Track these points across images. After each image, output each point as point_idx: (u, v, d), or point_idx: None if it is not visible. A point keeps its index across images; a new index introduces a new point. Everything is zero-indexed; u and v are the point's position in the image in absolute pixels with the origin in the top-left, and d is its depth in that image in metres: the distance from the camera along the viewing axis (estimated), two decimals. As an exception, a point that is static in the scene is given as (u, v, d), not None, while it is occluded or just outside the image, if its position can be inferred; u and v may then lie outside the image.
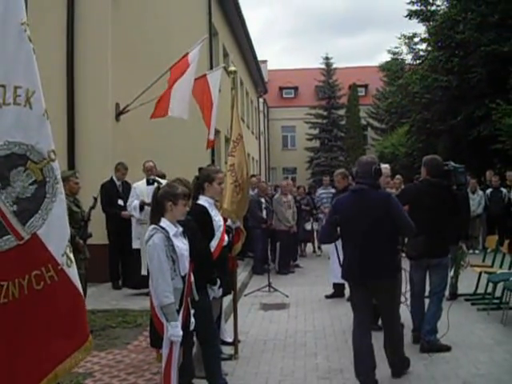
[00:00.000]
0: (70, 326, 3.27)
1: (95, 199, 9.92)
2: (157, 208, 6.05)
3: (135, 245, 12.49)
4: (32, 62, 3.09)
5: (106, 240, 13.38)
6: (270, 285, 13.69)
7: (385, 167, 9.56)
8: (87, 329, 3.41)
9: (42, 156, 3.07)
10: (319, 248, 21.37)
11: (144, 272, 11.72)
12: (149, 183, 12.40)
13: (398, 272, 7.48)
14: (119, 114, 14.58)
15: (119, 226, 13.02)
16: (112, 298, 12.28)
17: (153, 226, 5.89)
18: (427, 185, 8.80)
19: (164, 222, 5.91)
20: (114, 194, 13.08)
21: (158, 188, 6.24)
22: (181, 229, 6.04)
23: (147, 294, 11.77)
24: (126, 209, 12.76)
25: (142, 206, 12.06)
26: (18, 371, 3.03)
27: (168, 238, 5.77)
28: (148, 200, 11.90)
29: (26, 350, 3.05)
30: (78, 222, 9.39)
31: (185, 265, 5.92)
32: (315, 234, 21.08)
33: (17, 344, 3.01)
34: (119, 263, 13.54)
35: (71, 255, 3.25)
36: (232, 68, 9.82)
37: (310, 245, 21.86)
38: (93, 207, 9.82)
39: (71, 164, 13.74)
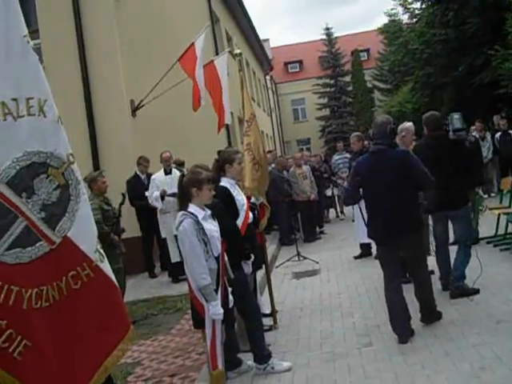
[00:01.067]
0: (112, 318, 3.30)
1: (124, 195, 9.95)
2: (183, 195, 6.08)
3: (163, 234, 12.65)
4: (39, 71, 3.11)
5: (138, 232, 13.50)
6: (298, 254, 13.68)
7: (409, 125, 9.58)
8: (127, 319, 3.44)
9: (61, 161, 3.07)
10: (342, 212, 21.30)
11: (174, 259, 11.82)
12: (166, 173, 12.48)
13: (421, 226, 7.47)
14: (135, 109, 14.68)
15: (149, 217, 13.07)
16: (150, 287, 12.44)
17: (181, 212, 5.93)
18: (430, 139, 8.69)
19: (192, 208, 5.94)
20: (140, 187, 13.11)
21: (183, 175, 6.26)
22: (209, 212, 6.07)
23: (175, 281, 12.05)
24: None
25: (162, 196, 12.11)
26: (71, 370, 3.05)
27: (197, 222, 5.80)
28: (168, 189, 11.99)
29: (74, 348, 3.07)
30: (111, 219, 9.46)
31: (217, 246, 5.95)
32: (336, 199, 21.07)
33: (65, 344, 3.03)
34: (152, 253, 13.64)
35: (102, 251, 3.26)
36: (237, 51, 9.85)
37: (332, 210, 21.80)
38: (122, 203, 9.86)
39: (96, 165, 13.88)
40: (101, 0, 14.53)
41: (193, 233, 5.75)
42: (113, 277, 3.30)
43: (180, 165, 13.24)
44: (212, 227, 5.99)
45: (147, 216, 13.13)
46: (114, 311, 3.33)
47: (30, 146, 2.97)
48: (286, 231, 16.66)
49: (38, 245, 2.96)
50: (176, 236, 11.79)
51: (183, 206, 6.02)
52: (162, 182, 12.38)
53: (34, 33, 14.76)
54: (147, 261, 13.63)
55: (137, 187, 13.08)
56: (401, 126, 9.36)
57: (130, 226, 12.43)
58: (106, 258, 3.26)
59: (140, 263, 13.63)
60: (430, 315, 7.50)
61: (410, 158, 7.29)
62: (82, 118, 14.22)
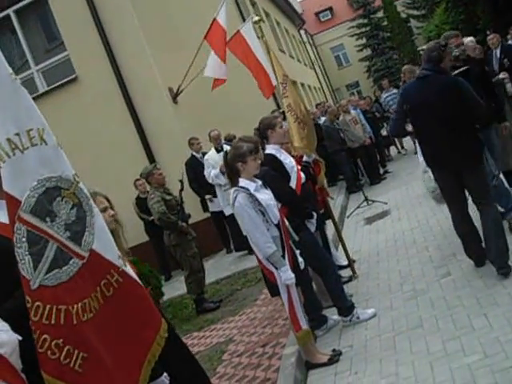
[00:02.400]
0: (145, 315, 3.43)
1: (181, 182, 10.06)
2: (231, 172, 6.11)
3: (227, 211, 12.45)
4: (31, 103, 3.20)
5: (204, 215, 13.70)
6: (366, 198, 13.59)
7: (469, 40, 8.92)
8: (158, 313, 3.59)
9: (70, 182, 3.19)
10: (403, 147, 21.01)
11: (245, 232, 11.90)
12: (218, 151, 12.51)
13: (482, 156, 6.82)
14: (175, 96, 14.78)
15: (214, 194, 13.11)
16: (230, 264, 12.61)
17: (233, 188, 5.97)
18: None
19: (242, 182, 5.96)
20: (198, 166, 13.11)
21: (226, 153, 6.29)
22: (260, 182, 6.08)
23: (251, 252, 12.15)
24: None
25: (223, 172, 12.15)
26: (124, 370, 3.22)
27: (251, 195, 5.83)
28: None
29: (121, 349, 3.23)
30: (175, 207, 9.58)
31: (274, 213, 5.97)
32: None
33: (113, 347, 3.18)
34: (226, 229, 13.69)
35: (121, 256, 3.38)
36: (255, 18, 9.77)
37: (393, 147, 21.52)
38: (182, 189, 9.99)
39: (151, 158, 14.15)
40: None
41: (249, 206, 5.80)
42: (136, 277, 3.42)
43: (231, 140, 13.25)
44: (266, 196, 6.01)
45: (210, 193, 13.17)
46: (145, 309, 3.46)
47: (40, 174, 3.07)
48: (350, 179, 16.51)
49: (71, 262, 3.08)
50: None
51: (234, 181, 6.05)
52: (215, 161, 12.44)
53: (60, 45, 15.04)
54: (222, 238, 13.86)
55: (195, 168, 13.13)
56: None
57: (195, 209, 12.61)
58: (127, 262, 3.40)
59: (217, 242, 13.89)
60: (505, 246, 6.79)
61: (459, 84, 6.60)
62: (126, 118, 14.54)
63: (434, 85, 6.59)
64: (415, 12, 55.86)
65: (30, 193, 3.02)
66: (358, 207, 13.54)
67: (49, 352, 2.92)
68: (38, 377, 2.83)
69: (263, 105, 14.35)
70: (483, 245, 6.88)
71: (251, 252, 12.12)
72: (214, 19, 12.84)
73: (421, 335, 5.86)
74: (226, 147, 12.26)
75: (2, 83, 3.07)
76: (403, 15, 57.80)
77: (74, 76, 14.84)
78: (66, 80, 14.80)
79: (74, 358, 2.99)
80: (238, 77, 13.23)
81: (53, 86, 14.94)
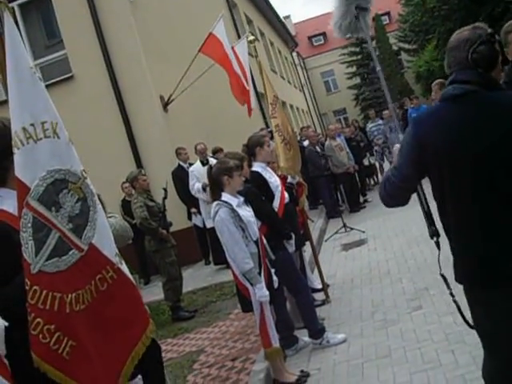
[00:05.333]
0: (134, 313, 3.50)
1: (165, 190, 10.18)
2: (215, 185, 6.15)
3: (209, 224, 12.58)
4: (47, 97, 3.32)
5: (187, 223, 13.74)
6: (345, 225, 13.68)
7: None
8: (147, 313, 3.62)
9: (77, 176, 3.29)
10: (383, 178, 21.08)
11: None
12: (203, 164, 12.58)
13: None
14: (166, 104, 14.85)
15: (198, 206, 13.18)
16: (207, 275, 12.70)
17: (216, 202, 6.00)
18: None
19: (225, 196, 6.01)
20: (185, 177, 13.16)
21: (211, 167, 6.32)
22: (242, 198, 6.13)
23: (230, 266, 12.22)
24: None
25: (204, 188, 12.22)
26: (108, 363, 3.28)
27: (232, 210, 5.88)
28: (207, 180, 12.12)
29: (108, 343, 3.30)
30: (157, 214, 9.72)
31: (254, 230, 6.03)
32: (377, 166, 20.88)
33: (100, 341, 3.25)
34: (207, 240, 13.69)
35: (119, 254, 3.44)
36: (251, 37, 9.88)
37: (373, 178, 21.54)
38: (165, 197, 10.12)
39: (139, 164, 14.29)
40: (116, 3, 14.67)
41: (229, 221, 5.84)
42: (131, 276, 3.51)
43: (217, 152, 13.34)
44: (247, 213, 6.07)
45: (195, 205, 13.22)
46: (135, 307, 3.53)
47: (50, 165, 3.18)
48: (330, 205, 16.60)
49: (70, 253, 3.16)
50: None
51: (216, 195, 6.10)
52: (200, 173, 12.49)
53: (59, 43, 15.13)
54: (202, 248, 13.97)
55: (182, 177, 13.21)
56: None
57: (179, 218, 12.67)
58: (123, 260, 3.46)
59: (195, 252, 13.98)
60: None
61: None
62: (118, 121, 14.62)
63: (486, 111, 3.37)
64: (406, 46, 56.40)
65: (39, 182, 3.12)
66: (336, 233, 13.63)
67: (40, 336, 3.01)
68: (20, 363, 2.90)
69: (251, 121, 14.44)
70: None
71: (229, 266, 12.23)
72: (210, 33, 12.94)
73: (388, 365, 5.92)
74: (212, 160, 12.35)
75: (23, 75, 3.20)
76: (395, 47, 58.36)
77: (70, 74, 14.90)
78: (62, 78, 14.83)
79: (63, 345, 3.07)
80: (227, 91, 13.29)
81: (48, 83, 14.96)
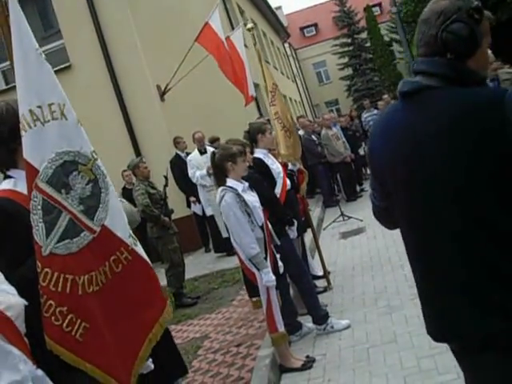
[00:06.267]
0: (151, 295, 3.51)
1: (166, 177, 10.24)
2: (219, 171, 6.13)
3: (208, 212, 12.79)
4: (54, 78, 3.29)
5: (189, 211, 13.92)
6: (342, 214, 13.68)
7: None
8: (163, 294, 3.67)
9: (87, 158, 3.27)
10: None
11: (225, 235, 11.99)
12: (201, 153, 12.61)
13: None
14: (163, 94, 14.93)
15: (197, 195, 13.21)
16: (208, 262, 12.80)
17: (221, 187, 5.98)
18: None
19: (230, 182, 6.00)
20: (182, 165, 13.24)
21: (214, 153, 6.30)
22: (246, 184, 6.12)
23: (230, 254, 12.19)
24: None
25: (209, 173, 12.18)
26: (124, 345, 3.28)
27: (238, 195, 5.87)
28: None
29: (124, 325, 3.28)
30: (158, 201, 9.77)
31: (259, 215, 6.02)
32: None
33: (116, 322, 3.24)
34: (207, 228, 13.78)
35: (133, 235, 3.42)
36: (249, 25, 9.85)
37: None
38: (166, 185, 10.17)
39: (138, 153, 14.38)
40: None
41: (235, 206, 5.83)
42: (147, 257, 3.49)
43: (215, 141, 13.32)
44: (252, 198, 6.06)
45: (195, 193, 13.25)
46: (152, 288, 3.54)
47: (59, 147, 3.17)
48: (327, 193, 16.66)
49: (82, 235, 3.15)
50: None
51: (221, 181, 6.08)
52: (198, 162, 12.57)
53: (57, 33, 15.14)
54: (202, 236, 14.11)
55: (180, 165, 13.26)
56: None
57: (178, 206, 12.70)
58: (138, 242, 3.46)
59: (197, 240, 14.16)
60: None
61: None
62: (115, 109, 14.80)
63: (439, 118, 2.47)
64: (398, 37, 56.42)
65: (48, 164, 3.10)
66: (334, 221, 13.64)
67: (53, 318, 3.00)
68: (37, 343, 2.81)
69: (246, 110, 14.47)
70: None
71: (230, 254, 12.23)
72: (206, 23, 12.89)
73: (395, 350, 5.91)
74: (210, 149, 12.33)
75: (29, 56, 3.16)
76: (386, 38, 58.37)
77: (67, 64, 14.94)
78: (59, 67, 14.82)
79: (76, 326, 3.05)
80: (224, 80, 13.26)
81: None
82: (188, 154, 13.27)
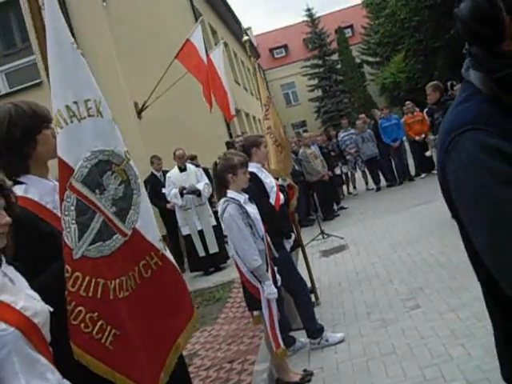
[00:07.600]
0: (179, 301, 3.47)
1: None
2: (220, 182, 6.14)
3: (185, 231, 12.72)
4: (89, 73, 3.22)
5: (163, 231, 13.66)
6: (322, 232, 13.68)
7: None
8: (191, 301, 3.61)
9: (121, 158, 3.20)
10: (354, 187, 21.22)
11: (202, 253, 12.02)
12: (181, 170, 12.58)
13: None
14: (140, 111, 14.82)
15: (172, 214, 13.13)
16: (184, 282, 12.54)
17: (223, 199, 5.99)
18: None
19: (231, 193, 6.00)
20: (158, 185, 13.23)
21: (216, 164, 6.32)
22: (247, 196, 6.14)
23: (207, 273, 12.17)
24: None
25: (181, 193, 12.21)
26: (153, 352, 3.22)
27: (241, 206, 5.87)
28: (185, 186, 12.12)
29: (152, 332, 3.23)
30: None
31: (261, 227, 6.04)
32: (349, 174, 20.98)
33: (144, 329, 3.18)
34: (181, 248, 13.70)
35: (162, 239, 3.40)
36: (245, 38, 9.87)
37: (344, 187, 21.61)
38: None
39: None
40: (90, 10, 14.67)
41: (238, 217, 5.83)
42: (175, 263, 3.44)
43: (194, 158, 13.34)
44: (253, 210, 6.07)
45: (169, 213, 13.18)
46: (180, 295, 3.50)
47: (94, 146, 3.09)
48: (304, 212, 16.69)
49: (114, 237, 3.08)
50: (200, 231, 12.08)
51: (221, 193, 6.08)
52: (177, 179, 12.52)
53: (28, 48, 14.97)
54: (175, 256, 13.71)
55: (155, 185, 13.20)
56: None
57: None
58: (167, 247, 3.40)
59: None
60: None
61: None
62: None
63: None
64: (370, 58, 57.04)
65: (84, 163, 3.03)
66: (314, 239, 13.62)
67: (82, 325, 2.91)
68: (58, 352, 2.71)
69: (217, 130, 14.55)
70: None
71: (206, 273, 12.21)
72: (187, 40, 12.96)
73: (395, 361, 5.93)
74: (190, 166, 12.37)
75: (65, 51, 3.11)
76: (358, 60, 58.96)
77: (38, 81, 14.68)
78: (31, 83, 14.70)
79: (106, 334, 2.97)
80: (201, 99, 13.30)
81: (17, 88, 14.87)
82: (165, 172, 13.21)
